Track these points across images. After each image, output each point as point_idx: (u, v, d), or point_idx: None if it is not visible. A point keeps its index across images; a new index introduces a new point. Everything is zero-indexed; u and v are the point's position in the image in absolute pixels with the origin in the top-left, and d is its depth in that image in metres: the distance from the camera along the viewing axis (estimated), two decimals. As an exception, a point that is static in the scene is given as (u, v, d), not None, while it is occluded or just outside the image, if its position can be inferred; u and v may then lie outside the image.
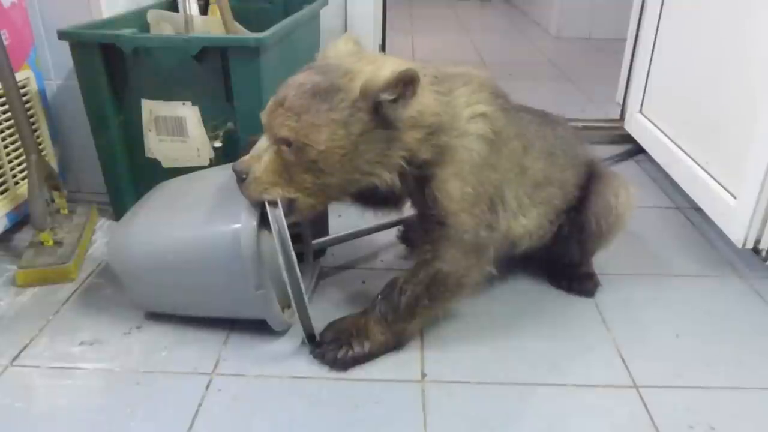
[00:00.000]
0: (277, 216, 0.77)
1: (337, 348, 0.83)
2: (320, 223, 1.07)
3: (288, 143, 0.73)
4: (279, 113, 0.73)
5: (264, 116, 0.76)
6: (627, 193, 0.95)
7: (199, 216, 0.84)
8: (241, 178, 0.77)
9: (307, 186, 0.76)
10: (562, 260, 1.00)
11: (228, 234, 0.80)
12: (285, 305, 0.88)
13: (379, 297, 0.85)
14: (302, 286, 0.79)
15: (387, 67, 0.74)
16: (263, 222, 0.80)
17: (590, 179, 0.96)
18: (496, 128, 0.81)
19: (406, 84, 0.71)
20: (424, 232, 0.83)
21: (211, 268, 0.82)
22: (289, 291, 0.79)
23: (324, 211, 1.07)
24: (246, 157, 0.77)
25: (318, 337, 0.85)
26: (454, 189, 0.79)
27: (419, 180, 0.80)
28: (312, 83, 0.73)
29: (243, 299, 0.83)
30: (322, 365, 0.83)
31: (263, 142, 0.77)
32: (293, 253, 0.77)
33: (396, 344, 0.85)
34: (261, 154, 0.76)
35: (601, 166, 1.00)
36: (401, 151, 0.76)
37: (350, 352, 0.82)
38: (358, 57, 0.78)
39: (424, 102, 0.75)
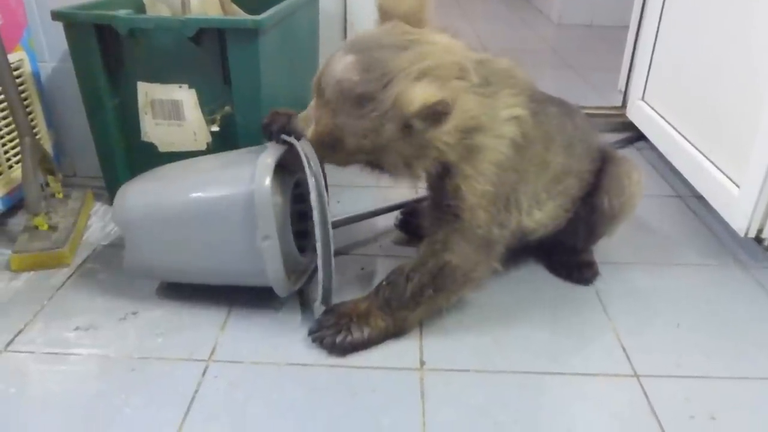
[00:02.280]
0: (308, 151, 0.81)
1: (336, 332, 0.82)
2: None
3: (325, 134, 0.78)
4: (319, 104, 0.77)
5: (314, 85, 0.79)
6: (638, 174, 0.96)
7: (210, 170, 0.89)
8: (300, 135, 0.83)
9: (344, 158, 0.81)
10: (566, 245, 0.99)
11: (242, 179, 0.82)
12: (289, 271, 0.88)
13: (384, 282, 0.84)
14: (330, 230, 0.82)
15: (422, 84, 0.72)
16: (276, 180, 0.83)
17: (603, 163, 0.96)
18: (525, 132, 0.81)
19: (436, 114, 0.71)
20: (435, 221, 0.83)
21: (220, 215, 0.83)
22: (317, 230, 0.81)
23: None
24: (301, 116, 0.83)
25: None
26: (477, 185, 0.80)
27: (443, 169, 0.80)
28: (350, 84, 0.73)
29: (248, 255, 0.82)
30: (320, 352, 0.82)
31: (311, 106, 0.80)
32: (325, 191, 0.84)
33: (396, 332, 0.84)
34: (309, 122, 0.80)
35: (612, 150, 1.01)
36: (430, 156, 0.77)
37: (349, 338, 0.82)
38: (409, 37, 0.76)
39: (465, 107, 0.75)
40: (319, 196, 0.82)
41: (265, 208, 0.80)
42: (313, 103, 0.80)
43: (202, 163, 0.94)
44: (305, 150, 0.82)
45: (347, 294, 0.91)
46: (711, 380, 0.80)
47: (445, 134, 0.75)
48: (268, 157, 0.83)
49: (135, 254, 0.89)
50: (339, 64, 0.75)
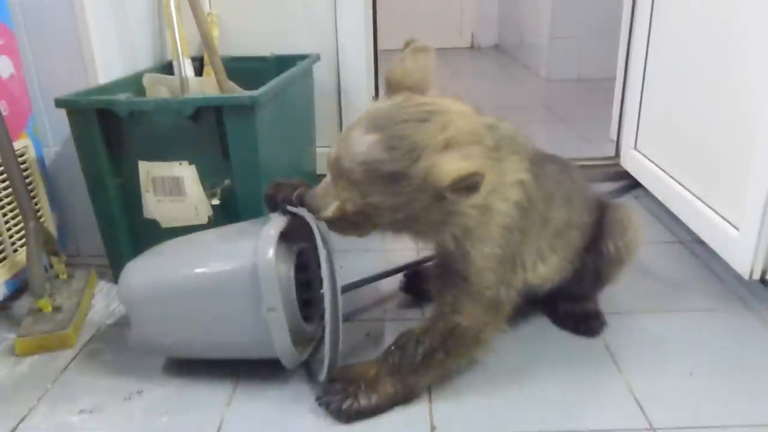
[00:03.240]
0: (319, 224, 0.82)
1: (343, 398, 0.81)
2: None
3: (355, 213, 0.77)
4: (344, 186, 0.75)
5: (328, 168, 0.78)
6: (637, 218, 0.99)
7: (213, 244, 0.92)
8: (313, 212, 0.81)
9: (368, 230, 0.81)
10: (572, 294, 0.99)
11: (245, 251, 0.82)
12: (296, 342, 0.87)
13: (392, 347, 0.84)
14: (340, 297, 0.83)
15: (451, 156, 0.72)
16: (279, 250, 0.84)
17: (601, 211, 0.98)
18: (529, 195, 0.83)
19: (470, 186, 0.70)
20: (443, 283, 0.84)
21: (225, 289, 0.83)
22: (326, 295, 0.82)
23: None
24: (318, 194, 0.79)
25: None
26: (485, 248, 0.80)
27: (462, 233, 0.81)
28: (376, 162, 0.72)
29: (255, 328, 0.82)
30: (328, 423, 0.80)
31: (330, 184, 0.78)
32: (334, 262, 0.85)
33: (405, 398, 0.83)
34: (328, 201, 0.77)
35: (609, 199, 1.04)
36: (457, 222, 0.78)
37: (356, 404, 0.80)
38: (426, 107, 0.76)
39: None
40: (330, 266, 0.82)
41: (269, 279, 0.81)
42: (329, 180, 0.78)
43: (204, 237, 0.96)
44: (315, 221, 0.82)
45: (353, 361, 0.90)
46: (729, 430, 0.78)
47: (472, 200, 0.76)
48: (271, 228, 0.84)
49: (141, 331, 0.89)
50: (362, 145, 0.73)
